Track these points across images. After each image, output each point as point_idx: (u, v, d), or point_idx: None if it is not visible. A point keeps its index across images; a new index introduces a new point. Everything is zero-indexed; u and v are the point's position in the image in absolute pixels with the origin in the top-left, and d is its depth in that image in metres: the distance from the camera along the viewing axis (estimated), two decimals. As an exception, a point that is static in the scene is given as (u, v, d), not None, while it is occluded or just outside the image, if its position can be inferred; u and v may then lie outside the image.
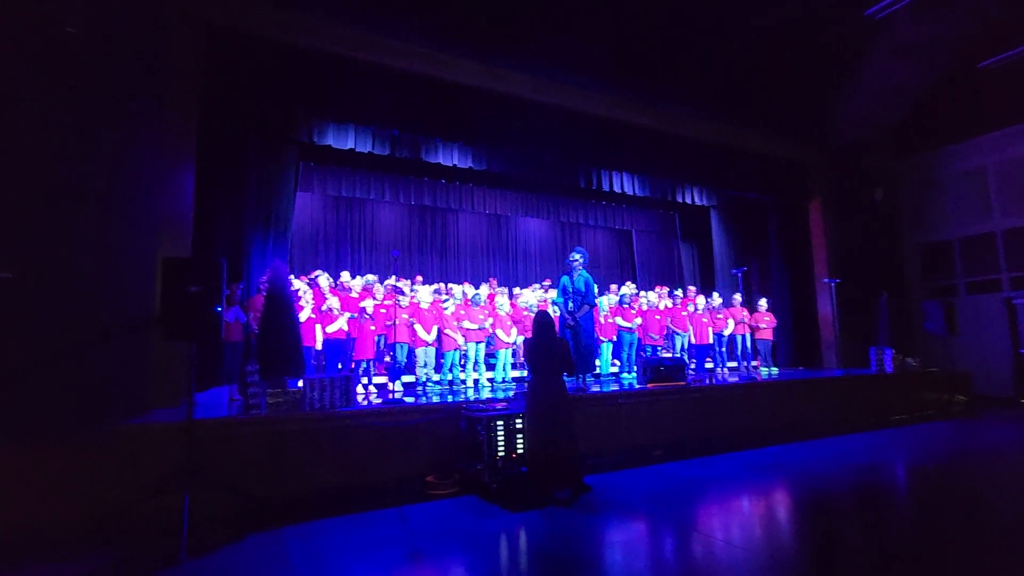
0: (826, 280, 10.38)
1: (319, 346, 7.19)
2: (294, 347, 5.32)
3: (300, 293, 7.07)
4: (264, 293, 5.85)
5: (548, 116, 8.51)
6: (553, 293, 9.58)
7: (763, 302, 10.37)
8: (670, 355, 9.67)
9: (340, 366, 7.32)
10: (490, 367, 8.74)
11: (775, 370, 10.08)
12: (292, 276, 7.61)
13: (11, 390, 4.80)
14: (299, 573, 3.30)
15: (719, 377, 8.88)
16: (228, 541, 3.77)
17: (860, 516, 4.37)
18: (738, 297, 10.21)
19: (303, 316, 6.80)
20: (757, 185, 10.79)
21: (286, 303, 5.39)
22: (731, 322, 10.11)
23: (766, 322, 10.14)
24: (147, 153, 5.67)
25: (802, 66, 8.59)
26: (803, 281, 11.43)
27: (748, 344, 10.15)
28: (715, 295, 10.55)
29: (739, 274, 9.89)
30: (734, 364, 10.48)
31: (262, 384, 4.84)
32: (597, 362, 8.85)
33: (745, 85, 8.88)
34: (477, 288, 9.41)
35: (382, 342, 7.92)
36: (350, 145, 7.87)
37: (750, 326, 10.13)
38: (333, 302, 7.20)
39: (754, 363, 10.46)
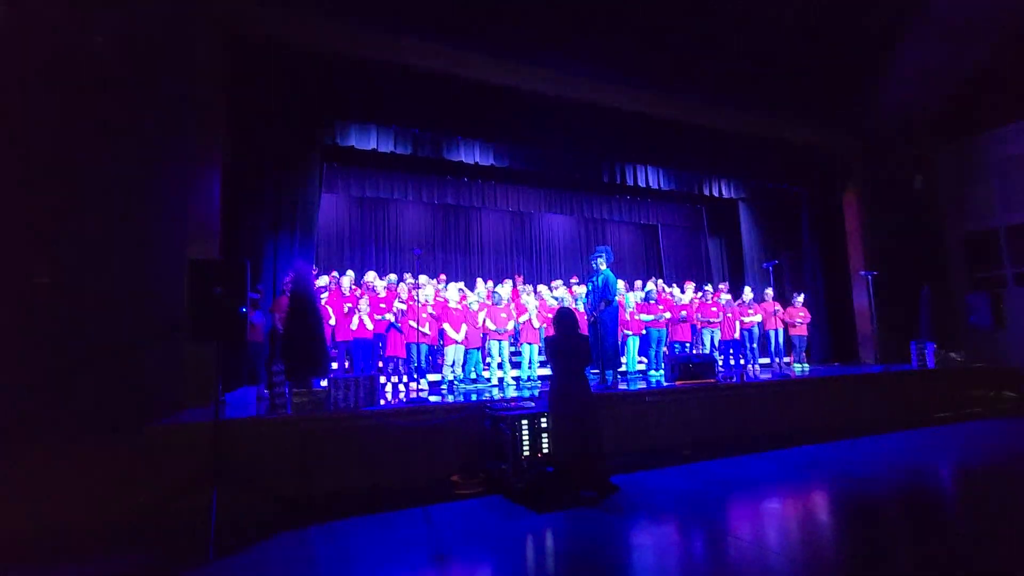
0: (862, 272, 10.01)
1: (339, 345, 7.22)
2: (318, 347, 5.35)
3: (324, 293, 7.11)
4: (288, 294, 5.90)
5: (568, 111, 8.41)
6: (579, 289, 9.48)
7: (799, 297, 10.05)
8: (699, 352, 9.46)
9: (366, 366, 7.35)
10: (515, 365, 8.67)
11: (807, 367, 9.77)
12: (317, 275, 7.66)
13: (49, 393, 4.97)
14: (326, 574, 3.30)
15: (751, 374, 8.64)
16: (256, 540, 3.79)
17: (906, 520, 4.15)
18: (770, 292, 9.92)
19: (328, 316, 6.84)
20: (788, 176, 10.47)
21: (310, 304, 5.42)
22: (759, 317, 9.84)
23: (800, 317, 9.83)
24: (176, 158, 5.81)
25: (836, 51, 8.27)
26: (838, 274, 11.07)
27: (781, 340, 9.86)
28: (746, 289, 10.27)
29: (770, 268, 9.59)
30: (766, 360, 10.20)
31: (288, 384, 4.88)
32: (623, 359, 8.70)
33: (775, 72, 8.59)
34: (500, 286, 9.35)
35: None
36: (372, 145, 7.95)
37: (783, 321, 9.84)
38: (363, 303, 7.23)
39: (787, 359, 10.16)
